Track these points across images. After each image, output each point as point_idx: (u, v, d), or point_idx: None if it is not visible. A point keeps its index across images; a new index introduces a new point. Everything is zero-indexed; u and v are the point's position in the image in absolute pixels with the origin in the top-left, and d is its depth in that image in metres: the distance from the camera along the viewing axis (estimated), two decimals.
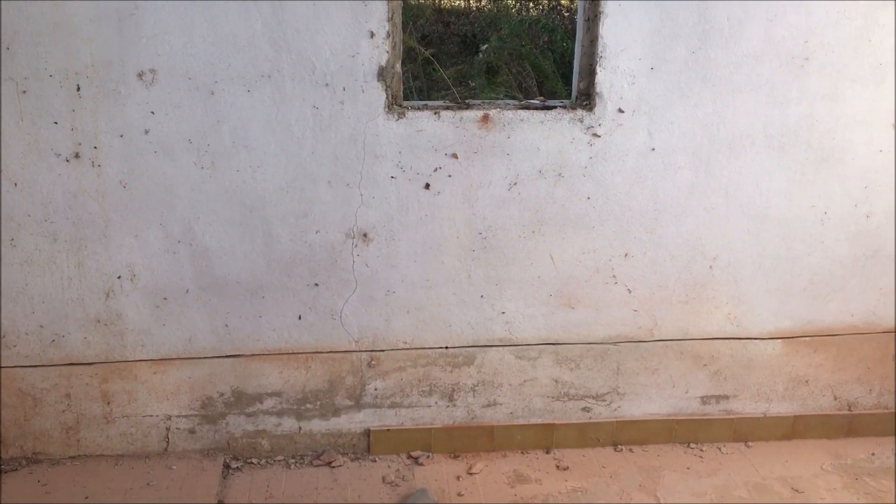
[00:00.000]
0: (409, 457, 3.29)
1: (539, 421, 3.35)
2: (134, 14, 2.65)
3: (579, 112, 2.94)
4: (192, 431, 3.21)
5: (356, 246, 3.01)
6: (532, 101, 3.04)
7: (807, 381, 3.42)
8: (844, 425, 3.48)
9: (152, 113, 2.77)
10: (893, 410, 3.49)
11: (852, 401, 3.47)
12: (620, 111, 2.94)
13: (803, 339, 3.35)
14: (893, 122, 3.06)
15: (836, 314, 3.33)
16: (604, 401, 3.36)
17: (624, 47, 2.86)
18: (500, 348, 3.24)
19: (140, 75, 2.72)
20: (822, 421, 3.46)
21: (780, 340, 3.34)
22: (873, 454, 3.39)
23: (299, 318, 3.09)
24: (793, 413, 3.45)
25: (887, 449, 3.42)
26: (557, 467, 3.26)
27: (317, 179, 2.91)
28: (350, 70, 2.79)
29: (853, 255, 3.24)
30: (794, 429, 3.46)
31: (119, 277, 2.97)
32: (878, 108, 3.04)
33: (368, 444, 3.29)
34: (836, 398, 3.46)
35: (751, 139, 3.04)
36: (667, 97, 2.94)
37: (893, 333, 3.38)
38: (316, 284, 3.05)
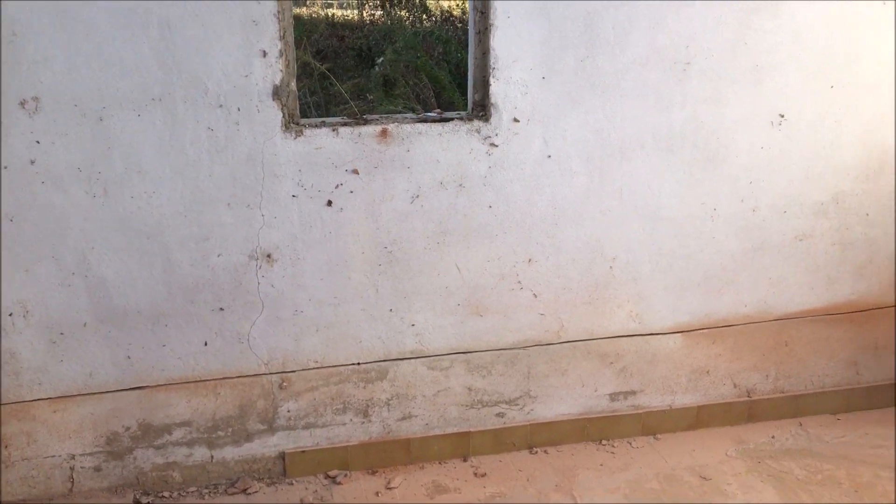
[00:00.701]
0: (327, 477, 3.26)
1: (455, 430, 3.38)
2: (13, 41, 2.55)
3: (476, 123, 3.00)
4: (97, 469, 3.09)
5: (260, 267, 2.97)
6: (429, 113, 3.07)
7: (708, 372, 3.56)
8: (745, 411, 3.64)
9: (37, 142, 2.66)
10: (790, 394, 3.67)
11: (751, 387, 3.64)
12: (516, 121, 3.01)
13: (702, 331, 3.49)
14: (773, 120, 3.24)
15: (731, 305, 3.49)
16: (517, 405, 3.42)
17: (515, 58, 2.93)
18: (413, 360, 3.25)
19: (22, 104, 2.62)
20: (724, 409, 3.62)
21: (680, 334, 3.47)
22: (773, 437, 3.56)
23: (205, 344, 3.02)
24: (696, 403, 3.59)
25: (786, 431, 3.60)
26: (475, 475, 3.29)
27: (216, 202, 2.86)
28: (244, 90, 2.76)
29: (742, 248, 3.40)
30: (699, 418, 3.60)
31: (10, 315, 2.83)
32: (757, 108, 3.21)
33: (284, 468, 3.24)
34: (735, 386, 3.62)
35: (641, 143, 3.15)
36: (559, 105, 3.03)
37: (784, 321, 3.56)
38: (221, 309, 2.99)
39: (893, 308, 3.66)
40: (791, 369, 3.66)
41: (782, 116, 3.24)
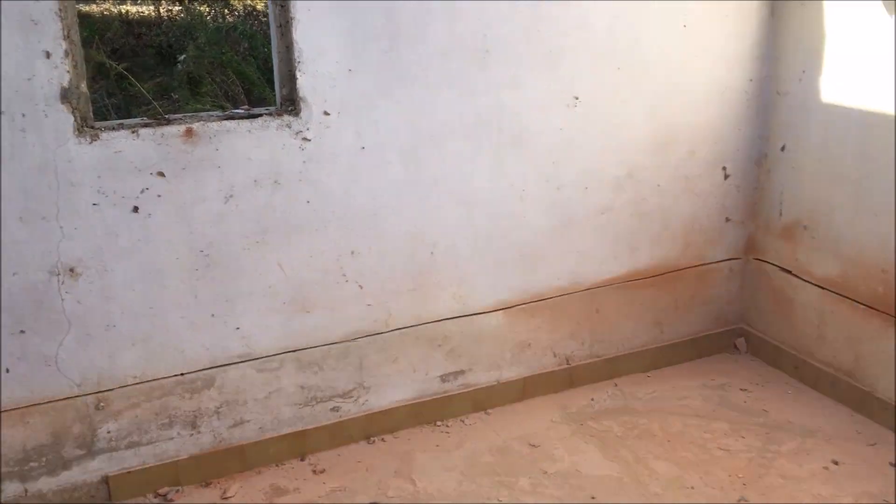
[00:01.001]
0: (157, 495, 3.11)
1: (290, 430, 3.33)
2: None
3: (286, 118, 2.96)
4: None
5: (63, 283, 2.78)
6: (236, 110, 2.99)
7: (529, 345, 3.74)
8: (566, 378, 3.86)
9: None
10: (604, 358, 3.93)
11: (569, 355, 3.87)
12: (326, 114, 3.00)
13: (521, 306, 3.66)
14: (568, 102, 3.44)
15: (545, 280, 3.68)
16: (351, 397, 3.42)
17: (320, 51, 2.92)
18: (240, 365, 3.17)
19: None
20: (547, 378, 3.82)
21: (501, 312, 3.62)
22: (593, 399, 3.80)
23: (7, 371, 2.78)
24: (521, 376, 3.76)
25: (604, 393, 3.86)
26: (314, 472, 3.27)
27: (6, 217, 2.63)
28: (28, 94, 2.56)
29: (551, 225, 3.60)
30: (525, 390, 3.77)
31: None
32: (553, 91, 3.40)
33: (109, 492, 3.05)
34: (555, 355, 3.83)
35: (450, 130, 3.25)
36: (368, 97, 3.05)
37: (594, 290, 3.80)
38: (22, 332, 2.77)
39: (687, 269, 4.01)
40: (604, 334, 3.92)
41: (577, 98, 3.45)
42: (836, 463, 3.28)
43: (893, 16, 3.17)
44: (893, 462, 3.28)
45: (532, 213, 3.53)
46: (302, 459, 3.35)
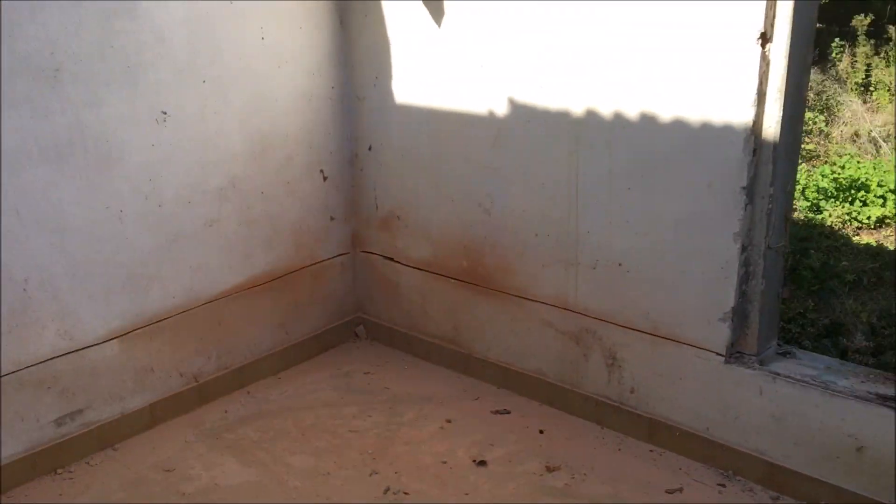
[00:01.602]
0: None
1: None
2: None
3: None
4: None
5: None
6: None
7: (152, 369, 3.62)
8: (197, 396, 3.81)
9: None
10: (234, 368, 3.95)
11: (196, 372, 3.81)
12: None
13: (137, 331, 3.52)
14: (157, 117, 3.38)
15: (160, 300, 3.58)
16: None
17: None
18: None
19: None
20: (176, 400, 3.72)
21: (115, 340, 3.44)
22: (226, 412, 3.80)
23: None
24: (148, 403, 3.62)
25: (237, 402, 3.87)
26: None
27: None
28: None
29: (157, 243, 3.51)
30: (154, 416, 3.64)
31: None
32: (138, 108, 3.31)
33: None
34: (182, 375, 3.75)
35: (27, 154, 3.00)
36: None
37: (214, 303, 3.79)
38: None
39: (301, 270, 4.19)
40: (230, 345, 3.94)
41: (165, 113, 3.40)
42: (449, 421, 3.71)
43: (441, 25, 3.65)
44: (493, 410, 3.79)
45: (134, 233, 3.41)
46: None
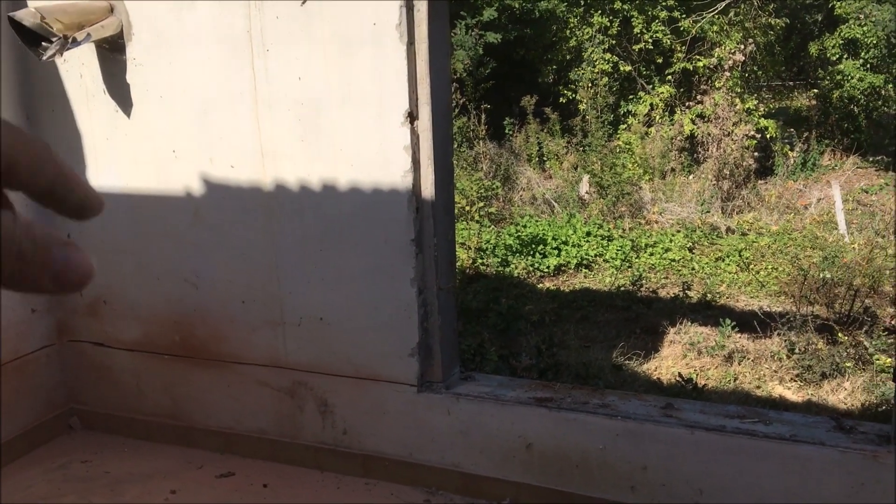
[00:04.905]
0: None
1: None
2: None
3: None
4: None
5: None
6: None
7: None
8: None
9: None
10: None
11: None
12: None
13: None
14: None
15: None
16: None
17: None
18: None
19: None
20: None
21: None
22: None
23: None
24: None
25: None
26: None
27: None
28: None
29: None
30: None
31: None
32: None
33: None
34: None
35: None
36: None
37: None
38: None
39: (2, 367, 4.06)
40: None
41: None
42: (173, 492, 3.79)
43: (130, 116, 3.87)
44: (217, 475, 3.94)
45: None
46: None
